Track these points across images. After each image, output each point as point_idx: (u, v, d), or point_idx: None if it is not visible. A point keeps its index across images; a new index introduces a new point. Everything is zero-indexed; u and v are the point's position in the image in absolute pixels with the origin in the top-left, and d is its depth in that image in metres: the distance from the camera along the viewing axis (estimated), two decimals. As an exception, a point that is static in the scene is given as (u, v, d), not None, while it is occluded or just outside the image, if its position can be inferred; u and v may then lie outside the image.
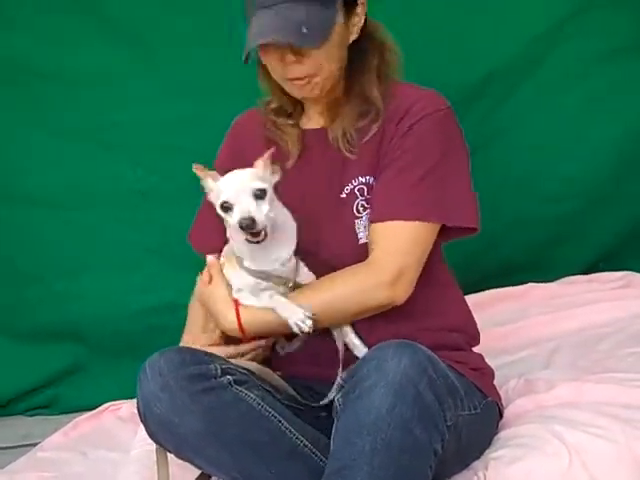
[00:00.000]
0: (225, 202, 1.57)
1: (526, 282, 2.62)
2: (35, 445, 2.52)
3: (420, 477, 1.43)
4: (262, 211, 1.56)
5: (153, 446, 1.86)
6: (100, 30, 2.62)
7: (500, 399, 1.78)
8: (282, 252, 1.65)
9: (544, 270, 2.67)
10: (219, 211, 1.60)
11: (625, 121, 2.59)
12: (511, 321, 2.40)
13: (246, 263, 1.65)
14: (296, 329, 1.59)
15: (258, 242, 1.56)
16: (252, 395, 1.53)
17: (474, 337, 1.82)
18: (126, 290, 2.77)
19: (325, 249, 1.71)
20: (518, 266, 2.67)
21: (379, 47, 1.72)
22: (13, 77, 2.70)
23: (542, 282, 2.61)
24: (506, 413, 1.81)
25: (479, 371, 1.73)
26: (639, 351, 2.06)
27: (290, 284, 1.65)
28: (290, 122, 1.78)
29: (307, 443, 1.54)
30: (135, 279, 2.77)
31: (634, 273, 2.57)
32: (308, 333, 1.59)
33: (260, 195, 1.57)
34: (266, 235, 1.56)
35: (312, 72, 1.65)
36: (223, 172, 1.66)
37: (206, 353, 1.59)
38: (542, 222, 2.66)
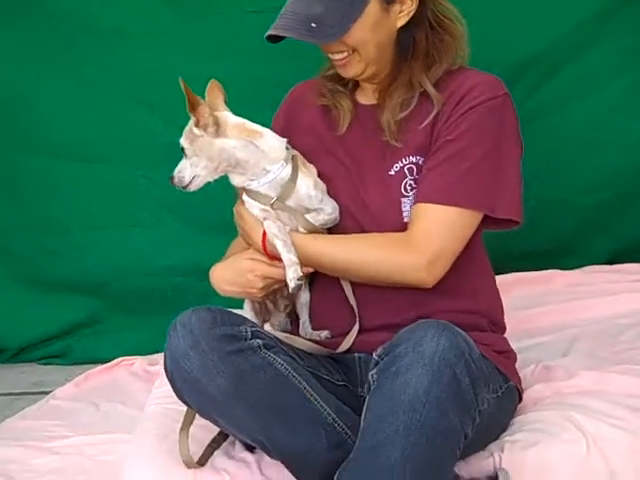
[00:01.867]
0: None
1: (549, 268, 2.61)
2: (46, 393, 2.56)
3: (449, 459, 1.45)
4: (186, 169, 1.67)
5: (170, 405, 1.90)
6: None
7: (520, 383, 1.78)
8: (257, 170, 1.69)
9: (568, 257, 2.65)
10: None
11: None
12: (532, 306, 2.39)
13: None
14: (288, 283, 1.64)
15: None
16: (280, 360, 1.54)
17: (498, 324, 1.81)
18: (148, 248, 2.79)
19: (369, 222, 1.70)
20: (544, 251, 2.66)
21: (436, 31, 1.68)
22: (46, 23, 2.69)
23: (565, 269, 2.61)
24: (524, 397, 1.80)
25: (503, 354, 1.72)
26: (659, 345, 2.06)
27: (272, 201, 1.68)
28: (344, 91, 1.77)
29: (330, 412, 1.54)
30: (158, 237, 2.79)
31: (653, 266, 2.57)
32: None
33: (186, 153, 1.68)
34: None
35: (346, 56, 1.65)
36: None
37: (237, 314, 1.59)
38: (571, 210, 2.65)
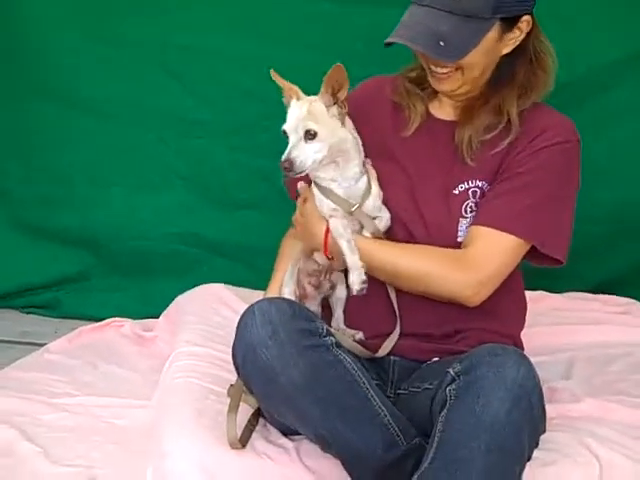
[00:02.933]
0: (283, 132, 1.66)
1: (533, 288, 2.74)
2: (36, 344, 2.57)
3: (515, 479, 1.55)
4: (306, 153, 1.63)
5: (195, 379, 1.95)
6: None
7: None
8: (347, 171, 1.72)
9: (552, 280, 2.78)
10: None
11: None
12: (526, 325, 2.51)
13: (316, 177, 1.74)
14: (352, 286, 1.70)
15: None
16: (349, 359, 1.61)
17: (520, 348, 1.92)
18: (152, 211, 2.82)
19: (422, 234, 1.78)
20: (531, 271, 2.78)
21: (533, 65, 1.76)
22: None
23: (549, 291, 2.74)
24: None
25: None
26: (647, 379, 2.21)
27: (353, 208, 1.73)
28: (420, 94, 1.82)
29: (387, 413, 1.62)
30: (163, 203, 2.82)
31: (636, 302, 2.71)
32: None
33: (311, 136, 1.64)
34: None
35: (451, 73, 1.72)
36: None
37: (310, 311, 1.65)
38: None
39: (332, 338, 1.61)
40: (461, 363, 1.55)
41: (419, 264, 1.75)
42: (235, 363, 1.63)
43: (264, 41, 2.66)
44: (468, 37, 1.65)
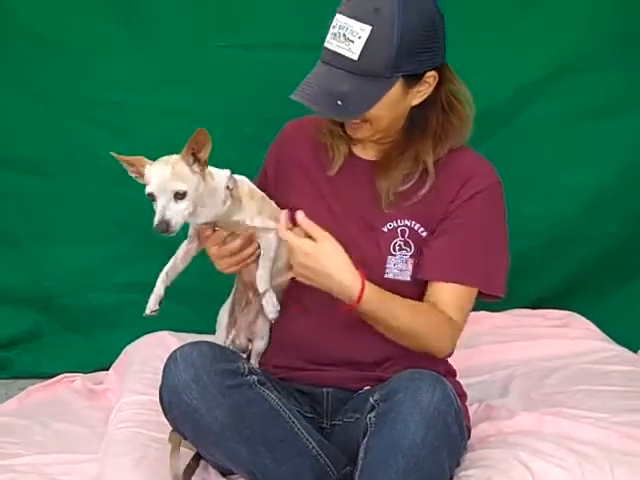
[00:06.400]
0: (150, 194, 1.70)
1: (476, 309, 2.79)
2: (-18, 407, 2.57)
3: None
4: (179, 212, 1.68)
5: (137, 429, 1.98)
6: (102, 5, 2.67)
7: (470, 422, 1.95)
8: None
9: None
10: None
11: (591, 175, 2.79)
12: (465, 345, 2.56)
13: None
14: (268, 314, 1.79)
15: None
16: (272, 395, 1.65)
17: (450, 370, 2.00)
18: (98, 263, 2.83)
19: None
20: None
21: (446, 113, 1.81)
22: (2, 36, 2.70)
23: (491, 311, 2.79)
24: (471, 435, 1.96)
25: (462, 397, 1.89)
26: (585, 389, 2.25)
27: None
28: (344, 136, 1.87)
29: (315, 445, 1.66)
30: (108, 254, 2.83)
31: (573, 313, 2.78)
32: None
33: (181, 196, 1.69)
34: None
35: (360, 123, 1.77)
36: (270, 174, 1.92)
37: (231, 350, 1.69)
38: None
39: (254, 377, 1.65)
40: (380, 391, 1.61)
41: (418, 326, 1.79)
42: (162, 407, 1.67)
43: (191, 90, 2.72)
44: (368, 96, 1.69)
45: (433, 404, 1.54)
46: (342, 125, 1.86)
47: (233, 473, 1.78)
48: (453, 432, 1.59)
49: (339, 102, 1.68)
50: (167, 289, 1.88)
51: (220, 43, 2.67)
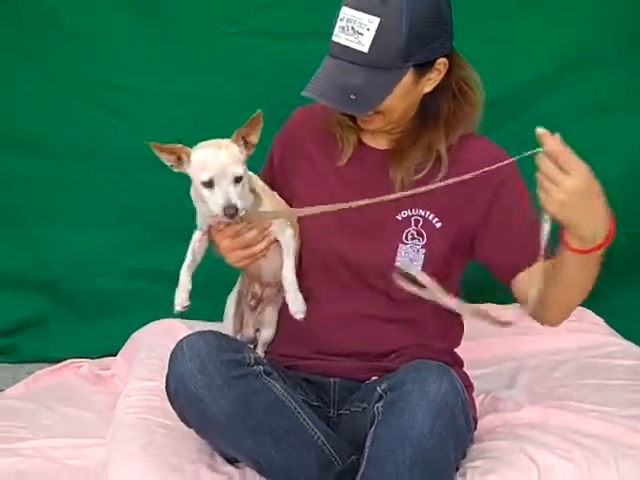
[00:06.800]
0: (209, 181, 1.68)
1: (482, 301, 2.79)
2: (-7, 391, 2.59)
3: None
4: (240, 196, 1.69)
5: (144, 414, 1.99)
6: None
7: (476, 413, 1.95)
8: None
9: (502, 293, 2.83)
10: (198, 186, 1.71)
11: (595, 171, 2.75)
12: (472, 338, 2.55)
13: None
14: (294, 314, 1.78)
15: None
16: (278, 386, 1.66)
17: (458, 360, 2.00)
18: (107, 249, 2.83)
19: (359, 255, 1.82)
20: (480, 286, 2.83)
21: (457, 99, 1.81)
22: (16, 19, 2.70)
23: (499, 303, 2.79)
24: (477, 426, 1.97)
25: (469, 388, 1.89)
26: (591, 383, 2.25)
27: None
28: (352, 125, 1.86)
29: (320, 436, 1.67)
30: (118, 240, 2.83)
31: (583, 308, 2.76)
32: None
33: (238, 180, 1.69)
34: None
35: (373, 116, 1.76)
36: (277, 162, 1.90)
37: (238, 340, 1.70)
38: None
39: (260, 367, 1.65)
40: (388, 381, 1.61)
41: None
42: (169, 396, 1.67)
43: (199, 76, 2.72)
44: (380, 87, 1.69)
45: (440, 395, 1.55)
46: (352, 116, 1.85)
47: (239, 461, 1.78)
48: (460, 423, 1.59)
49: (352, 96, 1.67)
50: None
51: (229, 30, 2.67)
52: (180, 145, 1.73)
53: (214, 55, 2.70)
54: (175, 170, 1.75)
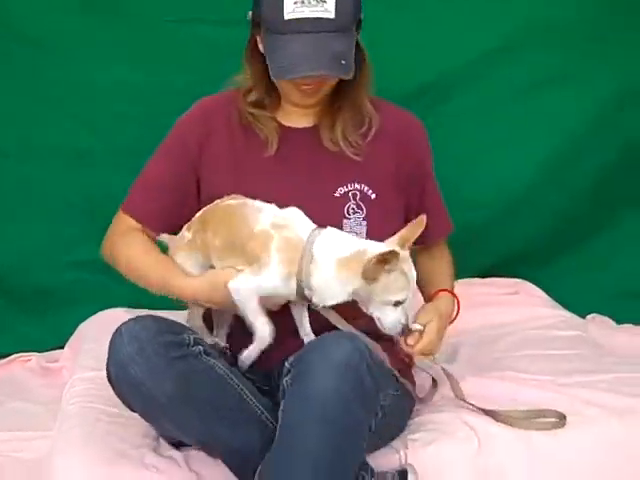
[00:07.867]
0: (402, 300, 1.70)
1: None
2: None
3: (357, 448, 1.63)
4: None
5: (89, 404, 1.99)
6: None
7: (415, 386, 1.98)
8: None
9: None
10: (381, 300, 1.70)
11: (540, 149, 2.84)
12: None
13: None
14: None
15: None
16: (219, 364, 1.67)
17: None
18: (50, 242, 2.80)
19: None
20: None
21: (365, 63, 1.86)
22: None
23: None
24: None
25: (402, 360, 1.91)
26: (531, 353, 2.30)
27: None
28: (267, 114, 1.88)
29: (264, 411, 1.69)
30: (60, 234, 2.80)
31: (524, 281, 2.83)
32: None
33: None
34: None
35: (317, 87, 1.81)
36: (190, 152, 1.87)
37: (177, 323, 1.70)
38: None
39: (200, 347, 1.66)
40: (295, 355, 1.64)
41: None
42: (110, 382, 1.68)
43: (140, 65, 2.71)
44: (351, 48, 1.77)
45: (343, 359, 1.56)
46: (261, 106, 1.88)
47: (185, 445, 1.79)
48: (367, 384, 1.58)
49: (342, 61, 1.73)
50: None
51: (169, 18, 2.66)
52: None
53: (155, 44, 2.68)
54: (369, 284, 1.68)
